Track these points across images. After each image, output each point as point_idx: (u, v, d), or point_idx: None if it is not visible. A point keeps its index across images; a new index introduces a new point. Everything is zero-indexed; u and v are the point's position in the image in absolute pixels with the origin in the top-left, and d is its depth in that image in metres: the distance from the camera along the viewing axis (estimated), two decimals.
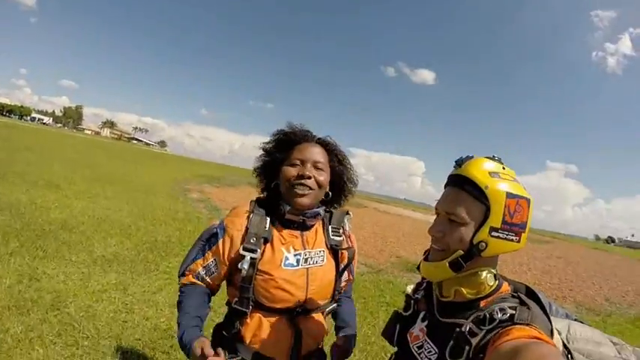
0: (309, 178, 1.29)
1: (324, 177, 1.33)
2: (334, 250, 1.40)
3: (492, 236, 0.85)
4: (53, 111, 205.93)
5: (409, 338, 1.03)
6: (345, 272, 1.46)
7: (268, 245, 1.29)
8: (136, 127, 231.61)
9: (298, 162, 1.31)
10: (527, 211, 0.87)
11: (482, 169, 0.87)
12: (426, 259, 0.98)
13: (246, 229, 1.28)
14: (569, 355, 0.89)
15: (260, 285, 1.24)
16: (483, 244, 0.85)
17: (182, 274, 1.34)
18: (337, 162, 1.40)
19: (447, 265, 0.89)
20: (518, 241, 0.87)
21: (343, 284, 1.46)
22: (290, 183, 1.29)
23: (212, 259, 1.31)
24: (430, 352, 0.92)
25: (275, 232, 1.31)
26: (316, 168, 1.32)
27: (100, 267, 4.52)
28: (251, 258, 1.22)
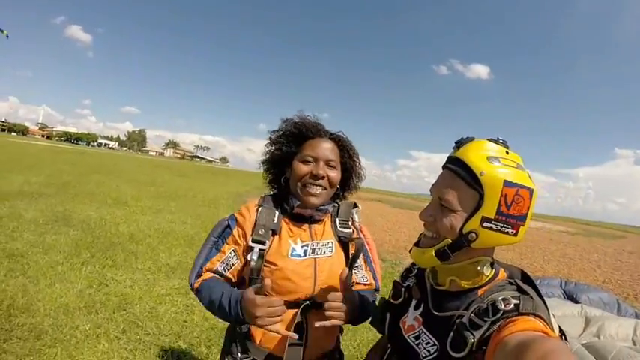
0: (323, 177, 1.33)
1: (335, 174, 1.38)
2: (343, 242, 1.43)
3: (484, 227, 0.84)
4: (118, 136, 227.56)
5: (403, 328, 1.04)
6: (363, 271, 1.50)
7: (276, 237, 1.34)
8: (198, 146, 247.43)
9: (311, 159, 1.34)
10: (529, 202, 0.84)
11: (480, 153, 0.85)
12: (417, 243, 0.98)
13: (255, 221, 1.34)
14: (564, 337, 0.89)
15: (267, 276, 1.27)
16: (473, 234, 0.85)
17: (197, 276, 1.36)
18: (348, 158, 1.45)
19: (433, 253, 0.90)
20: (515, 235, 0.85)
21: (359, 286, 1.46)
22: (302, 182, 1.34)
23: (230, 250, 1.35)
24: (429, 343, 0.92)
25: (283, 225, 1.37)
26: (329, 166, 1.36)
27: (164, 274, 4.97)
28: (259, 249, 1.28)
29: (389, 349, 1.11)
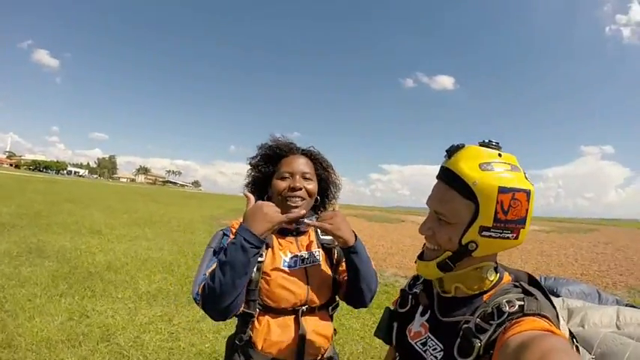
0: (300, 189, 1.44)
1: (312, 186, 1.49)
2: (327, 249, 1.55)
3: (483, 236, 0.83)
4: (88, 163, 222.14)
5: (409, 335, 1.04)
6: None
7: (269, 250, 1.44)
8: (169, 171, 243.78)
9: (287, 175, 1.46)
10: (527, 204, 0.83)
11: (471, 161, 0.84)
12: (421, 256, 1.00)
13: None
14: (574, 341, 0.92)
15: (264, 287, 1.39)
16: (473, 244, 0.85)
17: (201, 282, 1.36)
18: (322, 169, 1.57)
19: (435, 265, 0.91)
20: (516, 238, 0.84)
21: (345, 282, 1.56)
22: (282, 196, 1.44)
23: None
24: (435, 349, 0.92)
25: (274, 238, 1.47)
26: (305, 178, 1.48)
27: (145, 302, 4.88)
28: (257, 262, 1.35)
29: (396, 358, 1.11)
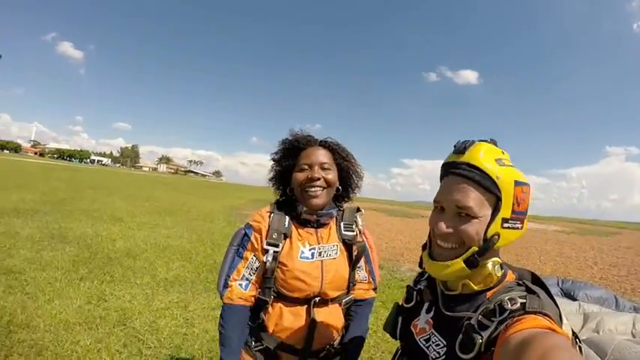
0: (319, 179, 1.46)
1: (332, 175, 1.50)
2: (347, 245, 1.56)
3: (504, 227, 0.86)
4: (111, 152, 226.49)
5: (414, 331, 1.05)
6: (363, 271, 1.65)
7: (287, 240, 1.48)
8: (191, 161, 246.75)
9: (306, 166, 1.48)
10: (529, 196, 0.89)
11: (488, 156, 0.85)
12: (430, 256, 0.95)
13: (269, 226, 1.47)
14: (577, 341, 0.89)
15: (279, 276, 1.43)
16: (496, 236, 0.86)
17: (225, 286, 1.46)
18: (342, 159, 1.57)
19: (463, 263, 0.87)
20: (522, 228, 0.89)
21: (360, 286, 1.64)
22: (302, 187, 1.48)
23: (252, 256, 1.48)
24: (438, 345, 0.92)
25: (293, 229, 1.50)
26: (323, 169, 1.49)
27: (162, 288, 4.92)
28: (274, 251, 1.42)
29: (399, 352, 1.12)
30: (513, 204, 0.85)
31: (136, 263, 5.96)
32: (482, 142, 0.89)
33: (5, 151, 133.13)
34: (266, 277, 1.43)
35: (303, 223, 1.52)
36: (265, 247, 1.42)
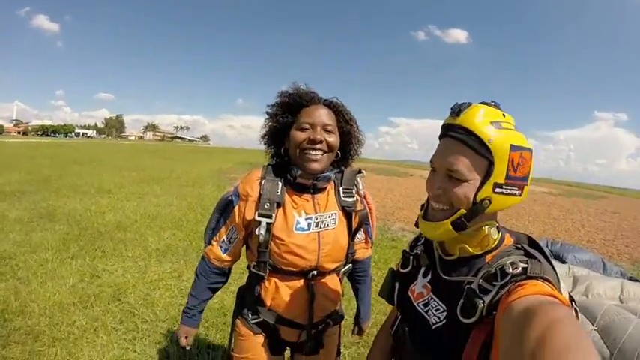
0: (321, 142, 1.34)
1: (334, 139, 1.38)
2: (347, 212, 1.47)
3: (496, 192, 0.84)
4: (95, 124, 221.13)
5: (411, 296, 1.05)
6: (362, 233, 1.58)
7: (280, 210, 1.37)
8: (177, 127, 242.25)
9: (307, 126, 1.34)
10: (530, 162, 0.85)
11: (483, 119, 0.83)
12: (424, 217, 0.96)
13: (259, 195, 1.36)
14: (573, 303, 0.90)
15: (274, 250, 1.36)
16: (487, 201, 0.84)
17: (209, 242, 1.51)
18: (345, 122, 1.44)
19: (450, 225, 0.88)
20: (521, 195, 0.87)
21: (358, 247, 1.59)
22: (301, 148, 1.35)
23: (231, 226, 1.44)
24: (438, 309, 0.92)
25: (287, 197, 1.40)
26: (326, 131, 1.36)
27: (155, 259, 4.95)
28: (267, 223, 1.33)
29: (398, 319, 1.11)
30: (508, 169, 0.83)
31: (127, 235, 5.94)
32: (479, 105, 0.86)
33: None
34: (260, 251, 1.36)
35: (297, 188, 1.41)
36: (257, 218, 1.33)
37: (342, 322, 1.67)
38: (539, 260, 0.82)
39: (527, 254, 0.85)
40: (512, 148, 0.82)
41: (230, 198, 1.43)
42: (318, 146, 1.34)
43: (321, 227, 1.40)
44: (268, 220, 1.32)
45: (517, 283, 0.75)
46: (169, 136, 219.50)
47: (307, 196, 1.42)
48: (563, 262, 2.14)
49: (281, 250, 1.35)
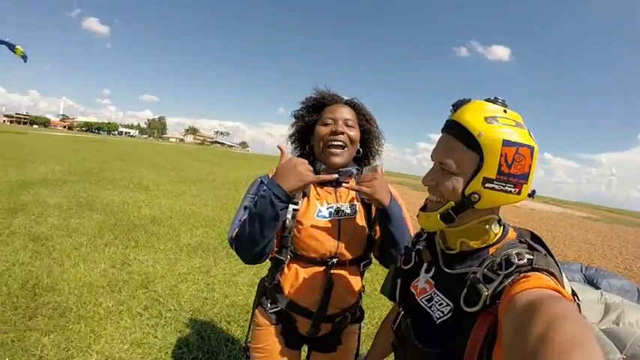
0: (342, 133, 1.44)
1: (354, 132, 1.48)
2: (366, 204, 1.52)
3: (486, 187, 0.84)
4: (138, 124, 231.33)
5: (414, 292, 1.06)
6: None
7: (305, 199, 1.45)
8: (218, 131, 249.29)
9: (330, 121, 1.46)
10: (530, 160, 0.84)
11: (477, 114, 0.85)
12: (423, 208, 1.00)
13: None
14: (576, 297, 0.86)
15: (295, 235, 1.42)
16: (476, 195, 0.86)
17: (237, 226, 1.40)
18: (365, 121, 1.55)
19: (438, 217, 0.92)
20: (518, 193, 0.85)
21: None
22: (324, 141, 1.45)
23: None
24: (442, 304, 0.93)
25: (312, 188, 1.49)
26: (347, 125, 1.46)
27: (185, 254, 5.06)
28: (293, 209, 1.39)
29: (400, 315, 1.11)
30: (500, 164, 0.82)
31: (160, 230, 6.12)
32: (478, 101, 0.89)
33: (35, 126, 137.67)
34: (284, 236, 1.41)
35: (321, 181, 1.47)
36: None
37: (363, 322, 1.66)
38: (544, 254, 0.82)
39: (531, 248, 0.86)
40: (505, 143, 0.82)
41: (260, 180, 1.47)
42: (340, 137, 1.43)
43: (341, 215, 1.45)
44: (295, 207, 1.39)
45: (522, 275, 0.76)
46: (209, 140, 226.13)
47: (330, 189, 1.50)
48: (597, 287, 2.07)
49: (302, 235, 1.40)
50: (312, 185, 1.47)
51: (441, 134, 0.94)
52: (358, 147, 1.53)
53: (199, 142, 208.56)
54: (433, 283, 1.00)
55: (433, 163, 0.96)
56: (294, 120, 1.58)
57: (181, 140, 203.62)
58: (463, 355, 0.80)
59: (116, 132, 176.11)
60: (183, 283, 4.01)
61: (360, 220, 1.49)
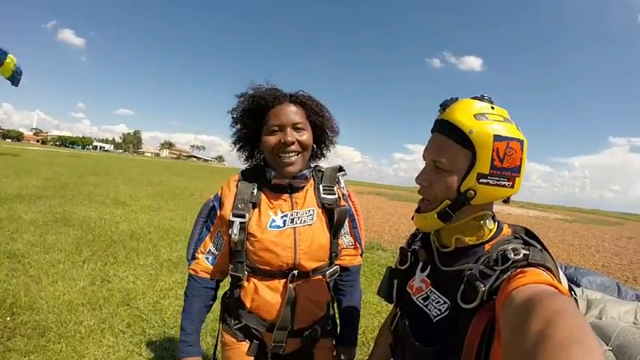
0: (293, 143, 1.30)
1: (306, 136, 1.35)
2: (327, 210, 1.41)
3: (481, 183, 0.85)
4: (113, 138, 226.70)
5: (410, 291, 1.05)
6: (349, 236, 1.52)
7: (256, 210, 1.36)
8: (193, 146, 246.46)
9: (276, 128, 1.31)
10: (521, 153, 0.85)
11: (466, 112, 0.86)
12: (418, 210, 0.99)
13: (235, 196, 1.36)
14: (572, 293, 0.91)
15: (249, 248, 1.32)
16: (472, 191, 0.86)
17: (192, 257, 1.45)
18: (315, 115, 1.39)
19: (435, 216, 0.91)
20: (512, 187, 0.87)
21: (345, 252, 1.52)
22: (274, 152, 1.32)
23: (216, 232, 1.41)
24: (439, 302, 0.93)
25: (263, 197, 1.38)
26: (296, 129, 1.32)
27: (166, 269, 4.93)
28: (240, 222, 1.30)
29: (397, 314, 1.11)
30: (493, 159, 0.83)
31: (140, 245, 5.96)
32: (466, 99, 0.90)
33: (7, 140, 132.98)
34: (236, 251, 1.33)
35: (274, 189, 1.39)
36: (231, 218, 1.31)
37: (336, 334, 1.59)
38: (540, 249, 0.82)
39: (526, 243, 0.86)
40: (496, 138, 0.83)
41: (212, 203, 1.42)
42: (291, 148, 1.31)
43: (297, 223, 1.35)
44: (241, 220, 1.30)
45: (518, 270, 0.75)
46: (185, 154, 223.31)
47: (285, 196, 1.39)
48: (578, 285, 2.12)
49: (255, 248, 1.31)
50: (263, 194, 1.38)
51: (432, 134, 0.94)
52: (312, 145, 1.40)
53: (175, 156, 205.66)
54: (429, 281, 0.99)
55: (425, 162, 0.95)
56: (233, 123, 1.43)
57: (157, 155, 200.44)
58: (461, 351, 0.80)
59: (91, 147, 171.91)
60: (165, 298, 3.90)
61: (320, 227, 1.39)
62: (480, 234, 0.92)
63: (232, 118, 1.42)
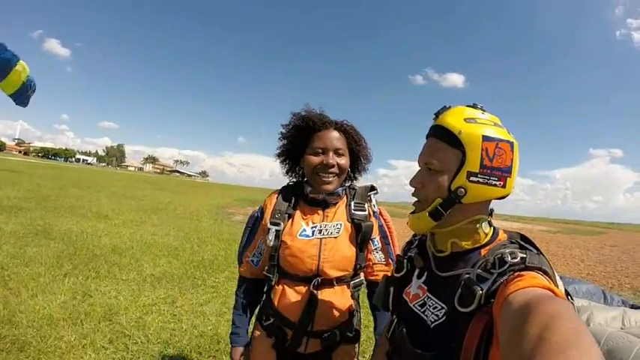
0: (333, 166, 1.46)
1: (345, 161, 1.51)
2: (356, 224, 1.51)
3: (471, 181, 0.87)
4: (96, 151, 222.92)
5: (407, 298, 1.05)
6: (381, 252, 1.59)
7: (290, 220, 1.50)
8: (177, 160, 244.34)
9: (320, 150, 1.47)
10: (511, 154, 0.88)
11: (457, 116, 0.90)
12: (412, 212, 1.01)
13: (274, 206, 1.52)
14: (569, 297, 0.91)
15: (280, 254, 1.46)
16: (462, 189, 0.88)
17: (240, 261, 1.65)
18: (355, 144, 1.56)
19: (427, 214, 0.93)
20: (503, 186, 0.88)
21: (378, 268, 1.58)
22: (315, 171, 1.47)
23: (260, 240, 1.57)
24: (436, 307, 0.93)
25: (298, 209, 1.53)
26: (337, 154, 1.49)
27: (149, 284, 4.82)
28: (275, 230, 1.45)
29: (394, 322, 1.10)
30: (482, 158, 0.86)
31: (122, 259, 5.82)
32: (459, 106, 0.93)
33: None
34: (271, 255, 1.47)
35: (310, 202, 1.52)
36: (269, 226, 1.46)
37: (358, 342, 1.60)
38: (537, 253, 0.83)
39: (523, 248, 0.86)
40: (485, 138, 0.86)
41: (256, 215, 1.60)
42: (331, 170, 1.46)
43: (324, 234, 1.46)
44: (277, 227, 1.45)
45: (516, 273, 0.76)
46: (169, 169, 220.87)
47: (318, 209, 1.52)
48: None
49: (285, 254, 1.44)
50: (299, 206, 1.52)
51: (426, 140, 0.98)
52: (348, 169, 1.55)
53: (159, 171, 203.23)
54: (426, 287, 0.99)
55: (420, 167, 0.97)
56: (281, 137, 1.58)
57: (140, 169, 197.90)
58: (460, 356, 0.79)
59: (73, 159, 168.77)
60: (148, 314, 3.80)
61: (345, 240, 1.47)
62: (476, 238, 0.93)
63: (281, 133, 1.58)
